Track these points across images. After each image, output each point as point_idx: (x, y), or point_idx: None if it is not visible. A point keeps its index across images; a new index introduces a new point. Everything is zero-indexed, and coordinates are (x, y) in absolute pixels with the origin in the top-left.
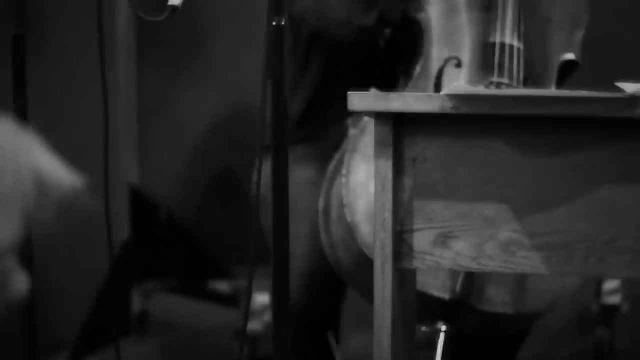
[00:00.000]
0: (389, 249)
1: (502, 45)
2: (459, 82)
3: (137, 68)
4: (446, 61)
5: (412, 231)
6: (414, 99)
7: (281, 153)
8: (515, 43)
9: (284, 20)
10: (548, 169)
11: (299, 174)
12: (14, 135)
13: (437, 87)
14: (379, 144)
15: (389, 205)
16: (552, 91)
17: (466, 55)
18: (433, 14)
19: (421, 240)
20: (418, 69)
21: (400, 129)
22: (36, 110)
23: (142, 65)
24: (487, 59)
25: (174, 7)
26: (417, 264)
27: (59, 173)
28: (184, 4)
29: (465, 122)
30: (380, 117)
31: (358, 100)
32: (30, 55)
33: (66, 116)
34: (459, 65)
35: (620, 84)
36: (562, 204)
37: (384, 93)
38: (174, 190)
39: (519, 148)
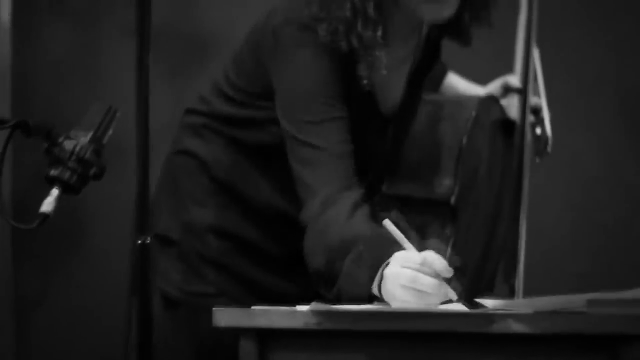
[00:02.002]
0: None
1: None
2: None
3: (13, 266)
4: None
5: None
6: (278, 315)
7: None
8: None
9: (149, 239)
10: None
11: None
12: None
13: None
14: (244, 359)
15: None
16: (412, 307)
17: None
18: None
19: None
20: None
21: (266, 343)
22: None
23: (19, 264)
24: None
25: (45, 215)
26: None
27: None
28: (56, 209)
29: (329, 336)
30: (245, 332)
31: (222, 315)
32: None
33: None
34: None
35: (480, 300)
36: None
37: (248, 309)
38: None
39: None
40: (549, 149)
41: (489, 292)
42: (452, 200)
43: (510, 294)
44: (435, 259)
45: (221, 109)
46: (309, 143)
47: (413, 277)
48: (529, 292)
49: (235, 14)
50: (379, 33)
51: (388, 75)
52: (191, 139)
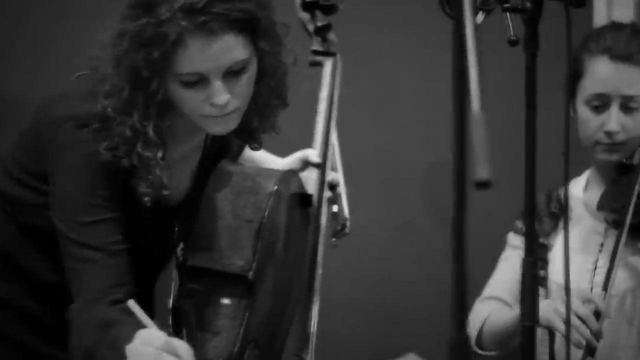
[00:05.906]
0: None
1: None
2: None
3: None
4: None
5: None
6: None
7: None
8: None
9: None
10: None
11: None
12: None
13: None
14: None
15: None
16: None
17: None
18: None
19: None
20: None
21: None
22: None
23: None
24: None
25: None
26: None
27: None
28: None
29: None
30: None
31: None
32: None
33: None
34: None
35: None
36: None
37: None
38: None
39: None
40: (347, 230)
41: None
42: (250, 275)
43: None
44: (180, 345)
45: (0, 183)
46: (78, 242)
47: (156, 356)
48: None
49: (29, 79)
50: (159, 154)
51: (171, 171)
52: None
